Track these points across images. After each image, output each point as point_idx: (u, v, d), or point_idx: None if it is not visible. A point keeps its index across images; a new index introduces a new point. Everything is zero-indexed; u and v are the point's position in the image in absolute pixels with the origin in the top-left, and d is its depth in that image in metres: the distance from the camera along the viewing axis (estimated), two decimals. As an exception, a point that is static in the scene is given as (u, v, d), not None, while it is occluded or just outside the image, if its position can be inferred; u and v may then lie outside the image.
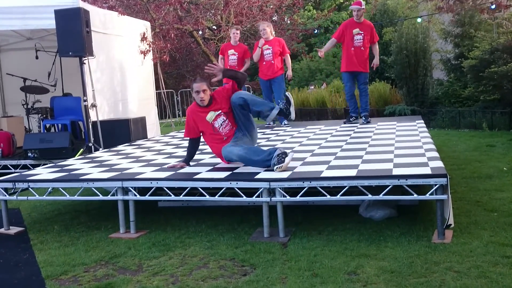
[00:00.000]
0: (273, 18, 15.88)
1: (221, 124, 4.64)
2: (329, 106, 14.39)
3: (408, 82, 12.25)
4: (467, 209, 4.51)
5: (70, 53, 7.11)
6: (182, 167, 4.74)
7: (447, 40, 13.02)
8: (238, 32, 8.57)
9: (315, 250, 3.68)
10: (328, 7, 24.81)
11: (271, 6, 14.49)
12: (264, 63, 8.05)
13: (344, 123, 7.86)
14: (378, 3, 15.79)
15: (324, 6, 25.35)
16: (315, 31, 17.28)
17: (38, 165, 6.41)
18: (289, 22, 17.73)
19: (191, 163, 4.90)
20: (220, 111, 4.63)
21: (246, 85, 18.01)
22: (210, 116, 4.62)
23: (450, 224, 3.70)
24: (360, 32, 7.45)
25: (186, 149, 5.02)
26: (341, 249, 3.65)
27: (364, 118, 7.71)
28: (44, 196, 4.71)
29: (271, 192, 3.99)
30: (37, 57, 8.50)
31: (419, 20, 12.82)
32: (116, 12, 9.46)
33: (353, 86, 7.77)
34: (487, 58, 10.38)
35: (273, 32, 8.30)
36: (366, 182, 3.82)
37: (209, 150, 5.75)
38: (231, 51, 8.37)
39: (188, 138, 4.90)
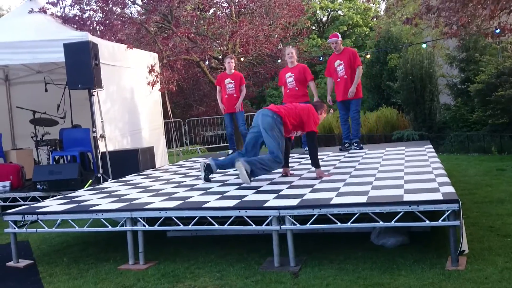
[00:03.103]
0: (279, 47, 16.04)
1: None
2: (336, 132, 14.40)
3: (415, 107, 12.27)
4: (480, 234, 4.44)
5: (79, 86, 7.20)
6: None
7: (452, 65, 13.08)
8: (233, 60, 8.66)
9: (327, 279, 3.62)
10: (332, 35, 25.06)
11: (276, 36, 14.67)
12: (288, 91, 7.98)
13: (340, 149, 8.01)
14: (382, 30, 15.96)
15: (328, 34, 25.63)
16: (320, 59, 17.41)
17: (47, 197, 6.43)
18: (294, 50, 17.90)
19: (200, 194, 4.90)
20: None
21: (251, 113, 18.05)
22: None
23: (464, 250, 3.64)
24: (340, 62, 7.67)
25: (193, 177, 5.00)
26: (353, 278, 3.59)
27: (356, 145, 7.87)
28: (53, 228, 4.71)
29: (281, 220, 3.96)
30: (46, 90, 8.61)
31: (424, 46, 12.91)
32: (125, 45, 9.60)
33: (346, 114, 8.00)
34: (493, 82, 10.40)
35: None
36: (377, 209, 3.78)
37: (218, 178, 5.75)
38: (227, 80, 8.47)
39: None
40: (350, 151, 7.64)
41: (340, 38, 7.82)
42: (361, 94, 7.79)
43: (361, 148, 7.81)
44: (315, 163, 5.30)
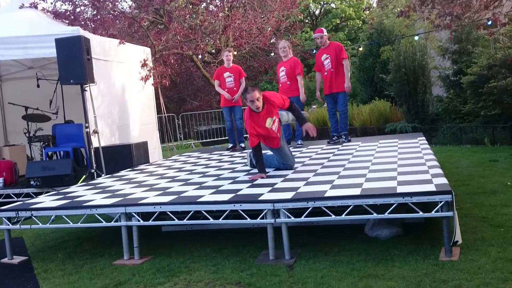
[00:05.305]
0: (272, 41, 16.01)
1: (276, 127, 5.29)
2: (330, 125, 14.40)
3: (408, 100, 12.29)
4: (473, 225, 4.48)
5: (71, 81, 7.15)
6: (262, 178, 5.05)
7: (445, 57, 13.09)
8: (231, 54, 8.58)
9: (322, 271, 3.64)
10: (325, 28, 25.08)
11: (269, 29, 14.63)
12: (281, 85, 8.04)
13: (328, 143, 8.05)
14: (375, 22, 15.95)
15: (321, 27, 25.61)
16: (314, 52, 17.42)
17: (40, 193, 6.40)
18: (287, 43, 17.93)
19: (195, 188, 4.89)
20: (274, 117, 5.22)
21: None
22: (269, 123, 5.16)
23: (457, 241, 3.67)
24: (327, 56, 7.77)
25: (187, 172, 5.01)
26: (348, 270, 3.61)
27: (344, 137, 7.96)
28: (47, 224, 4.69)
29: (276, 213, 3.97)
30: (38, 86, 8.55)
31: (416, 38, 12.92)
32: (117, 40, 9.53)
33: (333, 108, 8.10)
34: (485, 73, 10.43)
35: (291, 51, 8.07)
36: (371, 201, 3.80)
37: (212, 172, 5.74)
38: (226, 74, 8.41)
39: (254, 147, 5.18)
40: (344, 144, 7.66)
41: (325, 33, 7.92)
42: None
43: (349, 141, 7.91)
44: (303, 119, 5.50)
